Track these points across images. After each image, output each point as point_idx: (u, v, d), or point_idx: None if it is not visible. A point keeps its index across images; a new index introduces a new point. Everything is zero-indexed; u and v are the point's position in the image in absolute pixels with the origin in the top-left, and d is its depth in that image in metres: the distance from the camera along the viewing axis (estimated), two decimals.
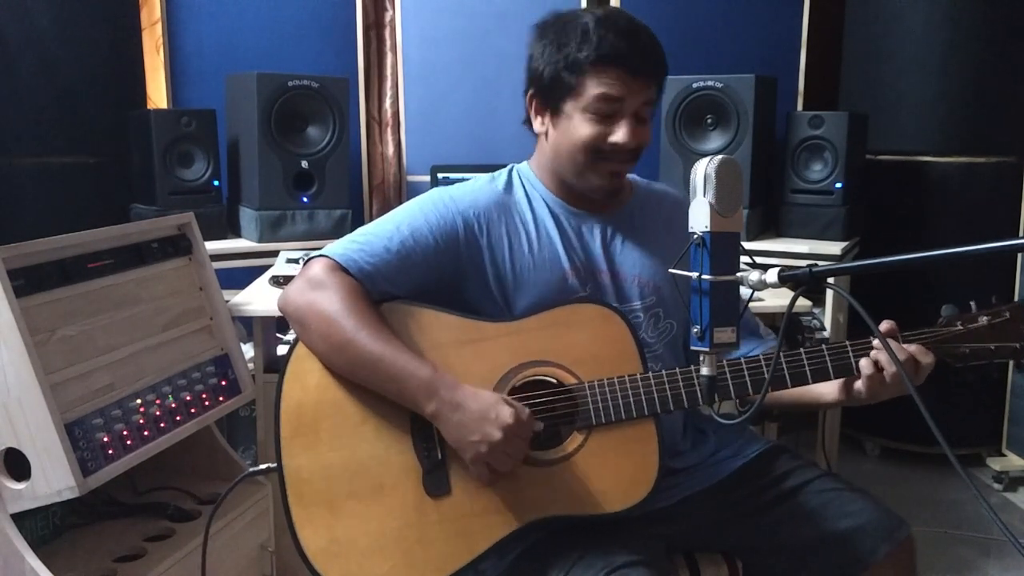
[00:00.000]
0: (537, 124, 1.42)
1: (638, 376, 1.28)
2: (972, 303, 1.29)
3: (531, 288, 1.37)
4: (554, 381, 1.30)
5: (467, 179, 1.46)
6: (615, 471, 1.27)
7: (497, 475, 1.24)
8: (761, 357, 1.28)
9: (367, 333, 1.25)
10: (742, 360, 1.27)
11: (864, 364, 1.25)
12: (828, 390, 1.34)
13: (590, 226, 1.43)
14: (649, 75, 1.35)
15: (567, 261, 1.39)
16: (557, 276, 1.38)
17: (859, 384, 1.27)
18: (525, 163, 1.48)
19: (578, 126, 1.35)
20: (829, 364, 1.26)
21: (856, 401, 1.29)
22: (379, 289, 1.33)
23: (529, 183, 1.45)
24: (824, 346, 1.27)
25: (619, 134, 1.34)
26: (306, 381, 1.30)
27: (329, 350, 1.28)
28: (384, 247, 1.33)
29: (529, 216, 1.41)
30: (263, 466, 1.34)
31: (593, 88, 1.32)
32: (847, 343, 1.27)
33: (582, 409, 1.28)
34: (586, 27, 1.33)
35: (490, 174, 1.47)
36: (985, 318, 1.27)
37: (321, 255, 1.34)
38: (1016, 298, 2.80)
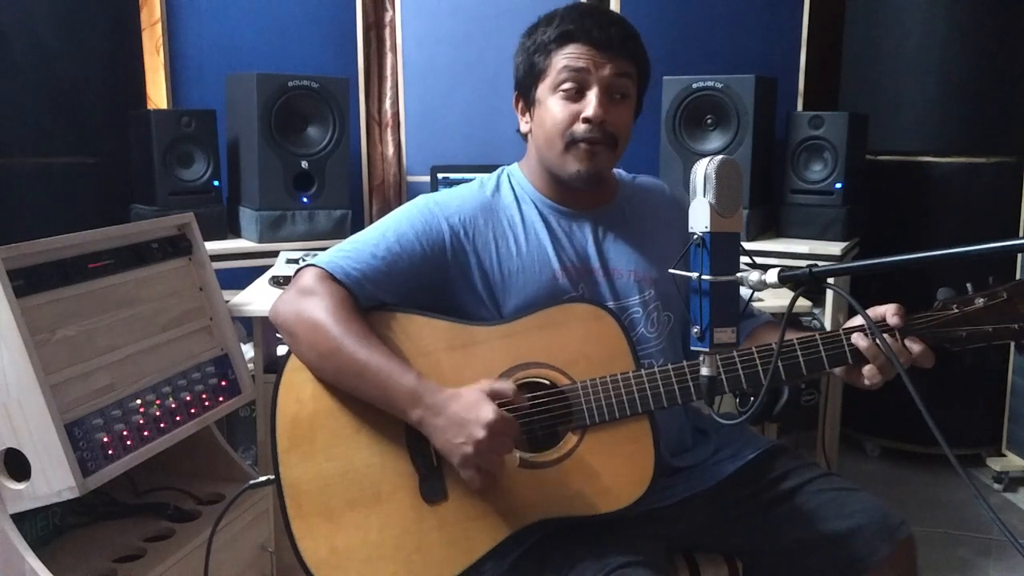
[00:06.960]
0: (523, 125, 1.45)
1: (631, 374, 1.28)
2: (968, 285, 1.25)
3: (520, 290, 1.37)
4: (547, 383, 1.30)
5: (466, 180, 1.47)
6: (612, 470, 1.26)
7: (489, 478, 1.22)
8: (755, 351, 1.26)
9: (353, 340, 1.25)
10: (735, 355, 1.25)
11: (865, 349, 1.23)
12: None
13: (581, 225, 1.43)
14: (614, 49, 1.35)
15: (556, 262, 1.39)
16: (546, 277, 1.38)
17: (861, 370, 1.25)
18: (515, 165, 1.49)
19: (550, 108, 1.37)
20: (824, 355, 1.24)
21: (855, 382, 1.27)
22: (367, 295, 1.33)
23: (518, 185, 1.45)
24: (818, 335, 1.25)
25: (588, 108, 1.34)
26: (300, 392, 1.30)
27: (317, 358, 1.28)
28: (371, 254, 1.34)
29: (517, 218, 1.41)
30: (262, 478, 1.35)
31: (558, 65, 1.35)
32: (840, 331, 1.25)
33: (576, 410, 1.28)
34: (553, 14, 1.38)
35: (479, 179, 1.47)
36: (982, 300, 1.22)
37: (309, 264, 1.35)
38: None
